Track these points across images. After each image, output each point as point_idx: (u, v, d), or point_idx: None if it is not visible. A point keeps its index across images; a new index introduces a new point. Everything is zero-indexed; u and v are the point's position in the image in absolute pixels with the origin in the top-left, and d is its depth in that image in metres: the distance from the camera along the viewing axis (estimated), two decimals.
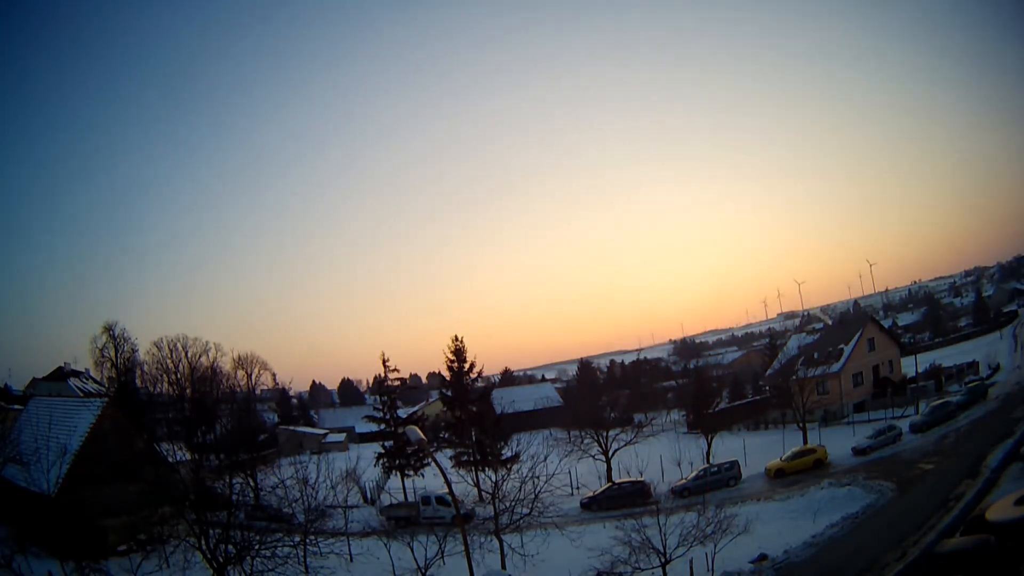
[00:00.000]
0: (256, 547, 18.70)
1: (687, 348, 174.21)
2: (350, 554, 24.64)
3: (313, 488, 25.00)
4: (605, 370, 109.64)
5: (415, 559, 19.21)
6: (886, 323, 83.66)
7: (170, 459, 23.77)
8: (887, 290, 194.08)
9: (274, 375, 69.95)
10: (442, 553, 19.39)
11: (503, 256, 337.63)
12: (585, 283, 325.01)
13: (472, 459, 38.07)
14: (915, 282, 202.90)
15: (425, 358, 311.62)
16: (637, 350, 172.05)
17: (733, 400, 63.26)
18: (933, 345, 78.93)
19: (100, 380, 52.86)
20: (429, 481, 38.90)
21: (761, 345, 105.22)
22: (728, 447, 40.43)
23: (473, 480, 33.05)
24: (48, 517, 22.87)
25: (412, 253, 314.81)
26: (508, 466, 30.41)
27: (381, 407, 41.30)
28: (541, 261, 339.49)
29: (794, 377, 42.27)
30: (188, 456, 29.69)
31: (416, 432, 14.73)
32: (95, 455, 25.07)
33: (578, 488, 35.48)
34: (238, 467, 29.26)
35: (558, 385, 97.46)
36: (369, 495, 38.51)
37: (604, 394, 63.88)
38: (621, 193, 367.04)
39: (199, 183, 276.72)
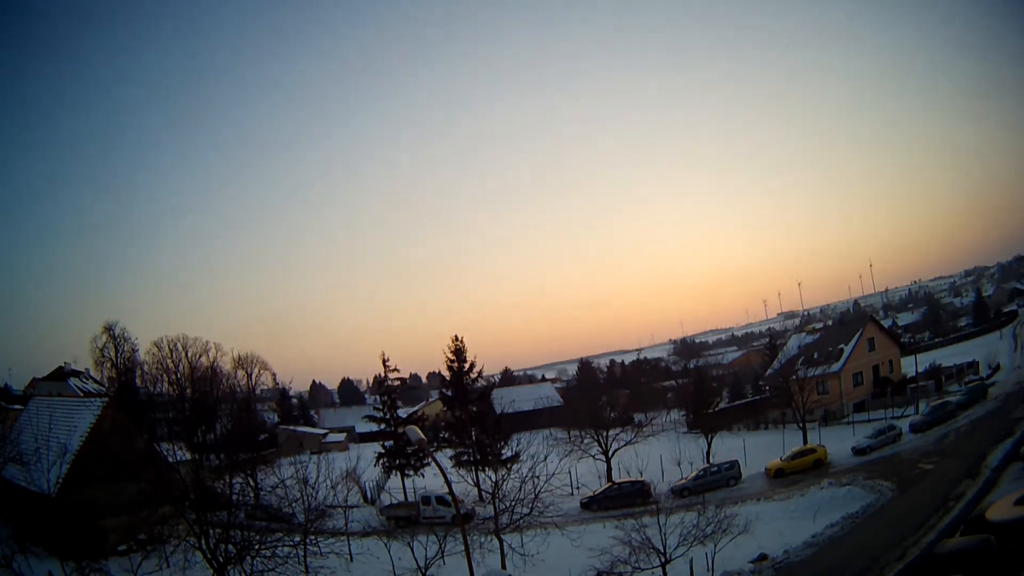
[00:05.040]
0: (256, 547, 18.68)
1: (687, 348, 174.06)
2: (350, 554, 24.64)
3: (313, 488, 24.95)
4: (605, 370, 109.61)
5: (415, 559, 19.23)
6: (886, 323, 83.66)
7: (170, 459, 23.72)
8: (887, 290, 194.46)
9: (274, 375, 70.25)
10: (442, 553, 19.39)
11: (503, 256, 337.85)
12: (585, 283, 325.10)
13: (472, 459, 38.06)
14: (915, 282, 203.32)
15: (425, 358, 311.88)
16: (637, 350, 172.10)
17: (733, 400, 63.27)
18: (933, 345, 78.82)
19: (100, 380, 52.78)
20: (429, 481, 38.88)
21: (761, 345, 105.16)
22: (728, 447, 40.42)
23: (473, 480, 33.03)
24: (48, 517, 22.85)
25: (412, 253, 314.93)
26: (508, 466, 30.38)
27: (381, 407, 41.28)
28: (541, 261, 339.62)
29: (794, 377, 42.20)
30: (188, 456, 29.68)
31: (416, 432, 14.70)
32: (95, 455, 25.02)
33: (578, 488, 35.46)
34: (238, 467, 29.24)
35: (558, 385, 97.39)
36: (369, 495, 38.49)
37: (604, 394, 63.83)
38: (622, 193, 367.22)
39: (199, 183, 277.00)
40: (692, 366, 78.80)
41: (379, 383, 44.21)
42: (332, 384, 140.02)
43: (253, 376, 62.70)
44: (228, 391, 53.55)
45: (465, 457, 38.81)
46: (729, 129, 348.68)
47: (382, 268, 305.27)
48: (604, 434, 38.56)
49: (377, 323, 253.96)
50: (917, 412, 38.82)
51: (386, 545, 21.81)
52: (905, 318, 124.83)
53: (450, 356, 40.83)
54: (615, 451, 38.37)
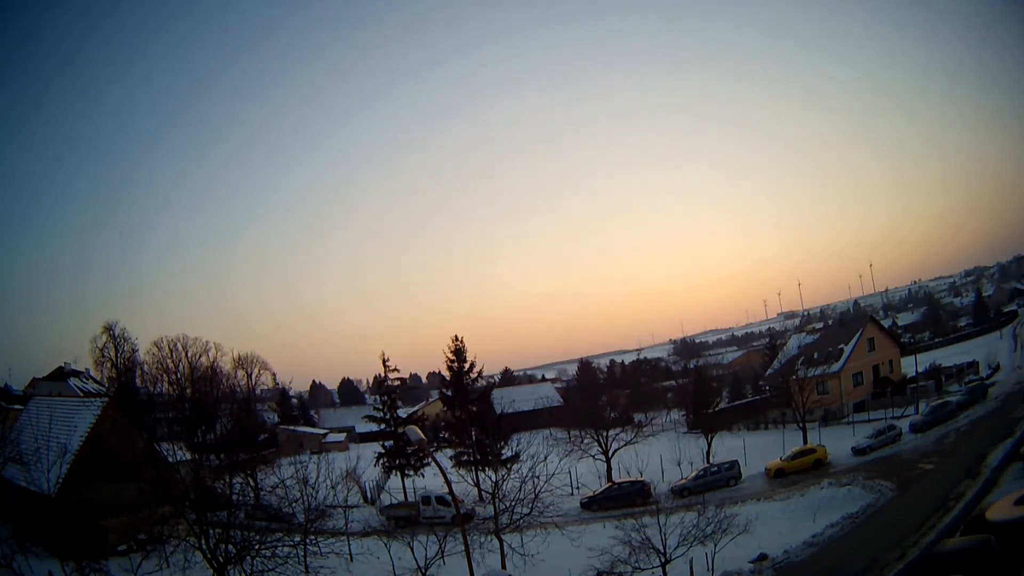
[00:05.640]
0: (256, 547, 18.69)
1: (687, 348, 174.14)
2: (350, 554, 24.66)
3: (313, 488, 24.96)
4: (605, 370, 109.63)
5: (415, 559, 19.26)
6: (886, 323, 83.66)
7: (170, 459, 23.72)
8: (887, 290, 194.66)
9: (274, 375, 70.28)
10: (442, 553, 19.41)
11: (504, 256, 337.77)
12: (585, 283, 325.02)
13: (472, 459, 38.05)
14: (915, 282, 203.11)
15: (425, 358, 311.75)
16: (637, 350, 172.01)
17: (733, 400, 63.25)
18: (933, 345, 78.82)
19: (100, 380, 52.81)
20: (429, 481, 38.89)
21: (761, 345, 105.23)
22: (728, 447, 40.41)
23: (473, 480, 33.03)
24: (48, 517, 22.86)
25: (412, 253, 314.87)
26: (508, 466, 30.39)
27: (381, 407, 41.28)
28: (542, 261, 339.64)
29: (794, 377, 42.21)
30: (188, 456, 29.68)
31: (416, 432, 14.71)
32: (95, 455, 24.99)
33: (578, 488, 35.47)
34: (238, 467, 29.21)
35: (558, 385, 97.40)
36: (369, 495, 38.51)
37: (604, 394, 63.83)
38: (622, 193, 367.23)
39: (199, 182, 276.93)
40: (692, 366, 78.76)
41: (379, 383, 44.21)
42: (332, 384, 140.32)
43: (253, 376, 62.82)
44: (228, 391, 53.55)
45: (465, 457, 38.80)
46: (729, 129, 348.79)
47: (382, 268, 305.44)
48: (604, 434, 38.56)
49: (377, 323, 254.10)
50: (917, 412, 38.83)
51: (386, 545, 21.82)
52: (905, 318, 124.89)
53: (450, 356, 40.83)
54: (615, 451, 38.36)
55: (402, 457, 39.89)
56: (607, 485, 34.18)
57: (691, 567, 18.81)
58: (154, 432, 38.99)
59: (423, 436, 15.12)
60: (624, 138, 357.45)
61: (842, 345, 50.38)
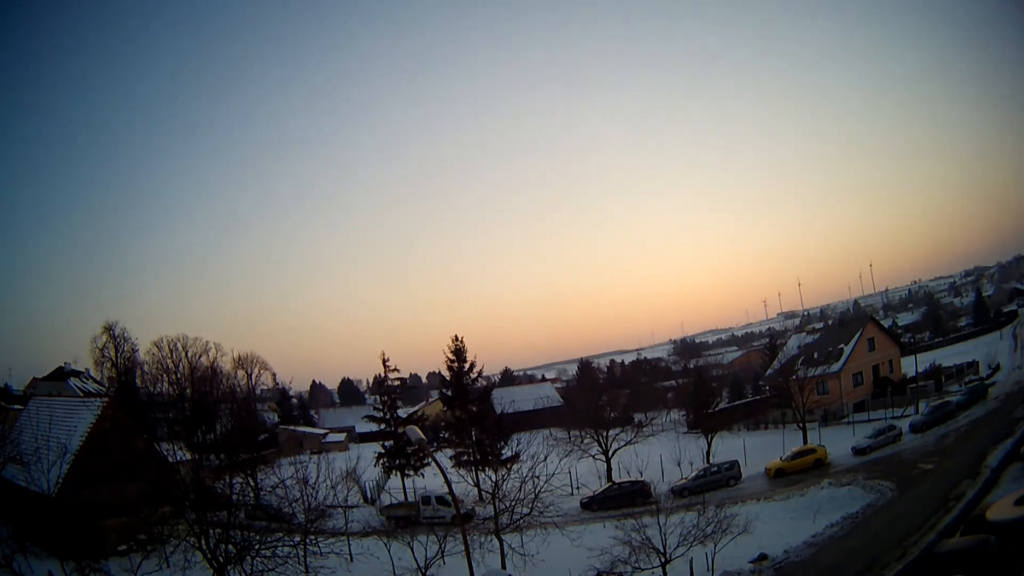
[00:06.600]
0: (256, 547, 18.69)
1: (687, 348, 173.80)
2: (350, 554, 24.65)
3: (313, 488, 24.94)
4: (605, 370, 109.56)
5: (415, 559, 19.26)
6: (886, 323, 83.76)
7: (170, 459, 23.72)
8: (887, 290, 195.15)
9: (274, 375, 70.18)
10: (442, 553, 19.42)
11: (504, 256, 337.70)
12: (585, 283, 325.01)
13: (472, 459, 38.02)
14: (915, 282, 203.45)
15: (425, 358, 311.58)
16: (637, 350, 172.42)
17: (733, 400, 63.19)
18: (933, 345, 78.88)
19: (100, 380, 52.80)
20: (429, 481, 38.89)
21: (761, 345, 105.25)
22: (728, 447, 40.42)
23: (473, 480, 33.01)
24: (48, 517, 22.85)
25: (413, 253, 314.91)
26: (508, 466, 30.36)
27: (381, 407, 41.24)
28: (541, 261, 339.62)
29: (794, 377, 42.22)
30: (188, 456, 29.68)
31: (416, 432, 14.70)
32: (95, 455, 25.05)
33: (578, 488, 35.46)
34: (238, 467, 29.23)
35: (558, 385, 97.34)
36: (369, 495, 38.50)
37: (604, 394, 63.72)
38: (622, 194, 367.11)
39: (199, 182, 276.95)
40: (692, 366, 78.66)
41: (379, 383, 44.18)
42: (332, 384, 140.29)
43: (253, 376, 62.64)
44: (228, 391, 53.42)
45: (465, 457, 38.77)
46: (729, 130, 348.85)
47: (382, 268, 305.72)
48: (604, 434, 38.56)
49: (377, 323, 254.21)
50: (917, 412, 38.85)
51: (386, 545, 21.80)
52: (905, 318, 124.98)
53: (450, 356, 40.80)
54: (615, 451, 38.37)
55: (402, 457, 39.86)
56: (607, 485, 34.18)
57: (691, 567, 18.81)
58: (154, 432, 38.99)
59: (423, 436, 15.11)
60: (624, 139, 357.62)
61: (842, 345, 50.39)
